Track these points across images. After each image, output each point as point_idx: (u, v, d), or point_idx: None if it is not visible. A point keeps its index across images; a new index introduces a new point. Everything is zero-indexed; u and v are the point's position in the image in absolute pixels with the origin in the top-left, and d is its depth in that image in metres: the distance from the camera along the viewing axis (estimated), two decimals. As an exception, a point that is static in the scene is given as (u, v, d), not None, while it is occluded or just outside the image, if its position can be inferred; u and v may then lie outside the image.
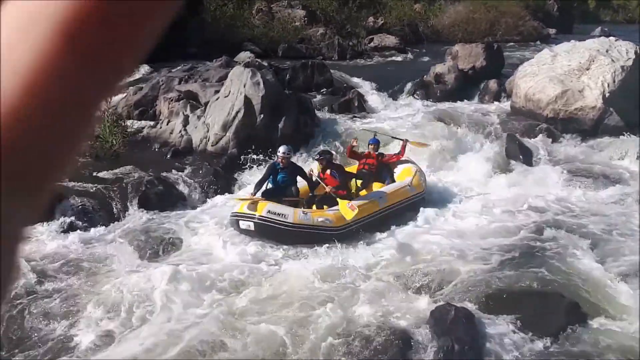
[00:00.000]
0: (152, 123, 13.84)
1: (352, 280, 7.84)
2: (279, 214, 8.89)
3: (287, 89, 14.64)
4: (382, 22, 27.46)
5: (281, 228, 8.85)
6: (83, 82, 0.38)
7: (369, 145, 10.87)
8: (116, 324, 6.90)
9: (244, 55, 19.27)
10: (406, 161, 11.13)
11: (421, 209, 10.29)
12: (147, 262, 8.40)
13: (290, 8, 27.00)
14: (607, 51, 14.72)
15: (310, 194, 9.80)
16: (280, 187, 9.53)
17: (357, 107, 15.45)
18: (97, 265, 8.25)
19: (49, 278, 7.83)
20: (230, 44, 20.72)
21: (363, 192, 10.48)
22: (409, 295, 7.58)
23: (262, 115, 12.54)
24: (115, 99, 13.53)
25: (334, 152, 11.33)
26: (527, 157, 12.67)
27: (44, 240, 8.88)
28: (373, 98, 16.51)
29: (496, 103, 16.62)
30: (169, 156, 12.47)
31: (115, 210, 10.11)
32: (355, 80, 18.00)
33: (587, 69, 14.37)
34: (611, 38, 16.05)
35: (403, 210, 10.10)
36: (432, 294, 7.67)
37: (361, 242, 9.09)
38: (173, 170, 11.54)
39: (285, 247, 8.84)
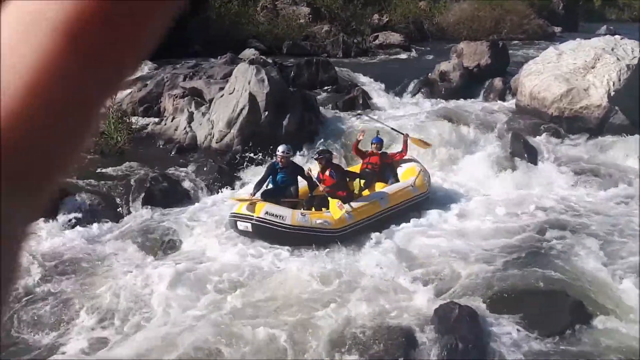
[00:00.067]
0: (156, 120, 13.90)
1: (353, 280, 7.83)
2: (276, 216, 8.84)
3: (292, 86, 14.61)
4: (387, 19, 27.40)
5: (279, 230, 8.80)
6: (85, 82, 0.38)
7: (371, 144, 10.76)
8: (112, 326, 6.92)
9: (249, 53, 19.32)
10: (410, 160, 11.06)
11: (425, 208, 10.25)
12: (147, 262, 8.39)
13: (295, 5, 26.96)
14: (612, 50, 14.68)
15: (309, 195, 9.70)
16: (279, 188, 9.47)
17: (362, 104, 15.42)
18: (98, 264, 8.27)
19: (49, 275, 7.86)
20: (235, 41, 20.74)
21: (366, 192, 10.39)
22: (412, 294, 7.58)
23: (266, 113, 12.55)
24: (120, 95, 13.56)
25: (334, 152, 11.27)
26: (532, 156, 12.65)
27: (47, 237, 8.90)
28: (378, 96, 16.48)
29: (501, 101, 16.58)
30: (173, 153, 12.52)
31: (119, 206, 10.16)
32: (360, 77, 17.94)
33: (593, 68, 14.33)
34: (616, 36, 15.99)
35: (406, 211, 10.01)
36: (436, 292, 7.67)
37: (362, 241, 9.08)
38: (177, 167, 11.62)
39: (285, 247, 8.80)
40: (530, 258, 8.60)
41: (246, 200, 9.10)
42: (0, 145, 0.37)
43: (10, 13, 0.38)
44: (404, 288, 7.74)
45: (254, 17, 24.92)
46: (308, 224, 8.95)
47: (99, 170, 10.96)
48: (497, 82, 17.33)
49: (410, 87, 17.47)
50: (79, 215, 9.52)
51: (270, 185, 9.46)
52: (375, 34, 25.75)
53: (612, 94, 13.80)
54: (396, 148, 11.45)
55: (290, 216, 8.88)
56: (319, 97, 15.28)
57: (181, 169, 11.53)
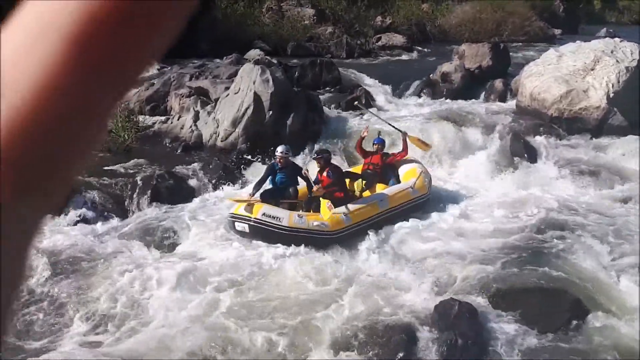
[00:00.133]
0: (163, 118, 13.98)
1: (353, 279, 7.84)
2: (273, 217, 8.80)
3: (296, 87, 14.68)
4: (390, 21, 27.49)
5: (276, 231, 8.75)
6: (97, 89, 0.38)
7: (373, 144, 10.71)
8: (107, 328, 6.90)
9: (254, 53, 19.39)
10: (412, 161, 10.97)
11: (425, 207, 10.25)
12: (147, 262, 8.33)
13: (300, 7, 27.06)
14: (612, 52, 14.78)
15: (309, 196, 9.55)
16: (278, 188, 9.41)
17: (365, 104, 15.52)
18: (99, 263, 8.24)
19: (49, 274, 7.85)
20: (241, 42, 20.77)
21: (366, 193, 10.29)
22: (412, 292, 7.59)
23: (270, 112, 12.65)
24: (128, 94, 13.66)
25: (337, 152, 11.25)
26: (532, 156, 12.73)
27: (52, 234, 8.89)
28: (380, 96, 16.53)
29: (502, 102, 16.62)
30: (179, 151, 12.63)
31: (125, 204, 10.25)
32: (363, 78, 17.99)
33: (592, 70, 14.45)
34: (616, 39, 16.06)
35: (405, 212, 9.93)
36: (436, 290, 7.69)
37: (361, 240, 9.05)
38: (183, 165, 11.68)
39: (284, 247, 8.73)
40: (529, 257, 8.61)
41: (244, 201, 9.08)
42: (9, 152, 0.37)
43: (20, 22, 0.38)
44: (403, 286, 7.73)
45: (260, 18, 25.00)
46: (305, 225, 8.86)
47: (106, 167, 11.05)
48: (498, 83, 17.40)
49: (412, 87, 17.52)
50: (86, 212, 9.60)
51: (270, 186, 9.42)
52: (378, 36, 25.86)
53: (611, 95, 13.91)
54: (398, 149, 11.32)
55: (287, 218, 8.83)
56: (322, 97, 15.29)
57: (187, 166, 11.61)
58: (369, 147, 10.84)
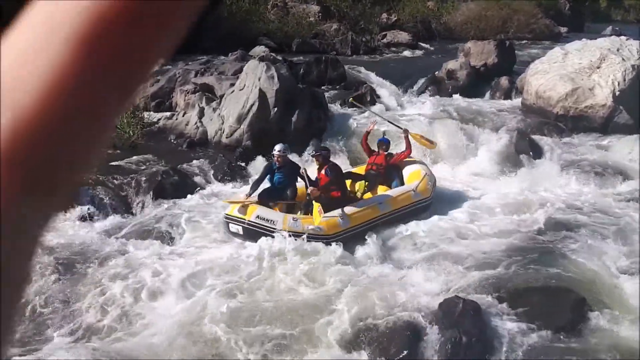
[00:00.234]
0: (168, 114, 13.97)
1: (353, 279, 7.74)
2: (267, 220, 8.63)
3: (301, 84, 14.65)
4: (395, 18, 27.48)
5: (269, 234, 8.56)
6: (104, 89, 0.38)
7: (377, 144, 10.52)
8: (103, 330, 6.86)
9: (259, 50, 19.35)
10: (416, 162, 10.78)
11: (428, 210, 10.06)
12: (148, 262, 8.24)
13: (305, 3, 27.02)
14: (617, 50, 14.78)
15: (307, 197, 9.23)
16: (277, 188, 9.23)
17: (370, 102, 15.49)
18: (102, 261, 8.21)
19: (48, 272, 7.81)
20: (246, 39, 20.73)
21: (368, 195, 10.02)
22: (416, 290, 7.55)
23: (275, 109, 12.65)
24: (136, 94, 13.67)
25: (341, 150, 11.15)
26: (537, 154, 12.71)
27: (57, 230, 8.81)
28: (385, 93, 16.42)
29: (507, 100, 16.64)
30: (184, 147, 12.64)
31: (130, 200, 10.26)
32: (368, 75, 17.95)
33: (598, 68, 14.45)
34: (622, 37, 16.10)
35: (406, 216, 9.66)
36: (439, 289, 7.66)
37: (361, 240, 8.87)
38: (188, 161, 11.69)
39: (284, 246, 8.46)
40: (534, 255, 8.59)
41: (240, 202, 8.94)
42: (17, 152, 0.37)
43: (28, 22, 0.37)
44: (406, 285, 7.70)
45: (265, 15, 24.94)
46: (300, 229, 8.60)
47: (111, 163, 11.05)
48: (504, 81, 17.42)
49: (418, 85, 17.55)
50: (91, 208, 9.59)
51: (268, 186, 9.22)
52: (384, 33, 25.84)
53: (617, 93, 13.91)
54: (401, 149, 11.01)
55: (281, 221, 8.64)
56: (327, 94, 15.26)
57: (192, 163, 11.63)
58: (374, 144, 10.60)
